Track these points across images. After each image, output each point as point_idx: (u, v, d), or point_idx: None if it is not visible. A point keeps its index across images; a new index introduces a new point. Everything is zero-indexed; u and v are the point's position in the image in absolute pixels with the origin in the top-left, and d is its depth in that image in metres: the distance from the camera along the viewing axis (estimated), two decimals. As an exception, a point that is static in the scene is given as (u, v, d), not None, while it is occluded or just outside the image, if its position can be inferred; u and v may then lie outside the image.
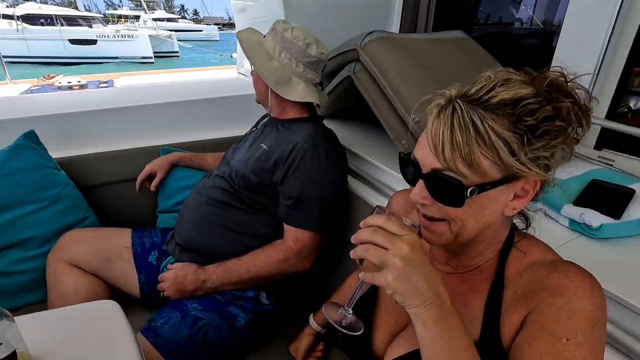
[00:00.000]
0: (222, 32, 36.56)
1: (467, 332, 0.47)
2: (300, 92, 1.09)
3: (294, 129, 1.11)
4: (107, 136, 1.46)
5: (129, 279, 1.15)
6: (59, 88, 1.87)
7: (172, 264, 1.11)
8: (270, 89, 1.09)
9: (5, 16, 15.19)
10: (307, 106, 1.16)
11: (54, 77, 2.21)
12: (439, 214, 0.52)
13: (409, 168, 0.55)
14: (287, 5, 1.50)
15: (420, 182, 0.52)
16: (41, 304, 1.17)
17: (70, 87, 1.88)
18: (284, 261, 1.02)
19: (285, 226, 1.05)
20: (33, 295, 1.17)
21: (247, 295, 1.05)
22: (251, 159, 1.10)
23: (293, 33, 1.07)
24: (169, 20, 29.89)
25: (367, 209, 1.09)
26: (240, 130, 1.62)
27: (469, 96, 0.49)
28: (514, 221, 0.60)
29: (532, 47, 1.88)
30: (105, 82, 2.00)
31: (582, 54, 1.02)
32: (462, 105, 0.47)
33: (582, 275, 0.49)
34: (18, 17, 14.47)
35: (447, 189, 0.49)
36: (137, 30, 17.08)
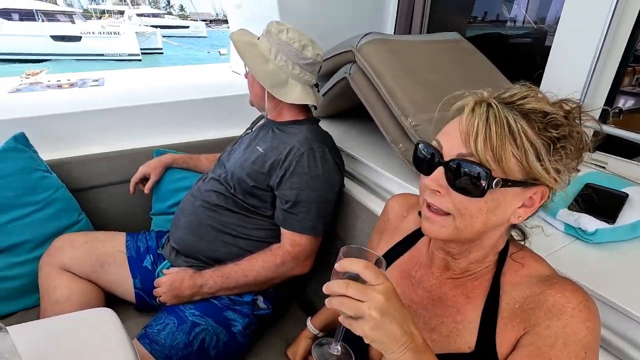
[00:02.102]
0: (210, 28, 36.09)
1: None
2: (297, 94, 1.09)
3: (290, 132, 1.11)
4: (99, 137, 1.44)
5: (124, 284, 1.13)
6: (48, 86, 1.81)
7: (167, 268, 1.09)
8: (267, 91, 1.09)
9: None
10: (303, 108, 1.16)
11: (38, 73, 2.14)
12: (447, 205, 0.52)
13: (426, 155, 0.55)
14: (281, 4, 1.49)
15: (440, 170, 0.52)
16: (34, 310, 1.15)
17: (59, 86, 1.82)
18: (282, 265, 1.02)
19: (283, 230, 1.05)
20: (25, 301, 1.15)
21: (245, 300, 1.04)
22: (247, 162, 1.10)
23: (288, 35, 1.06)
24: (154, 15, 29.35)
25: (364, 212, 1.09)
26: (235, 131, 1.61)
27: (503, 99, 0.51)
28: (511, 233, 0.61)
29: (526, 47, 1.91)
30: (96, 80, 1.94)
31: (577, 53, 1.04)
32: (497, 104, 0.49)
33: (580, 297, 0.50)
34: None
35: (471, 177, 0.49)
36: (119, 26, 16.69)
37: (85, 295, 1.07)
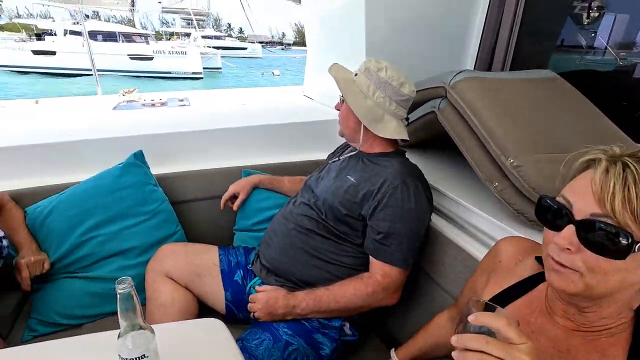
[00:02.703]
0: (265, 49, 38.15)
1: None
2: (392, 129, 1.13)
3: (381, 164, 1.15)
4: (194, 155, 1.58)
5: (216, 295, 1.21)
6: (143, 105, 2.05)
7: (259, 285, 1.16)
8: (363, 125, 1.14)
9: (72, 32, 16.74)
10: (392, 141, 1.20)
11: (132, 92, 2.46)
12: (577, 264, 0.51)
13: (552, 210, 0.55)
14: (368, 41, 1.57)
15: (570, 228, 0.52)
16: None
17: (153, 104, 2.06)
18: (372, 295, 1.04)
19: (373, 260, 1.08)
20: (129, 302, 1.26)
21: (333, 325, 1.07)
22: (339, 190, 1.15)
23: (387, 73, 1.12)
24: (216, 37, 31.67)
25: (452, 247, 1.09)
26: (314, 155, 1.70)
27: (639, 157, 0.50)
28: None
29: (614, 79, 1.79)
30: (182, 100, 2.16)
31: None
32: (635, 164, 0.48)
33: None
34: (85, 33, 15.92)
35: (610, 239, 0.48)
36: (186, 47, 18.20)
37: (185, 302, 1.17)
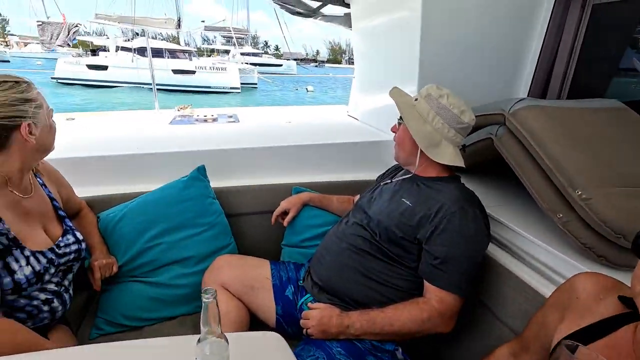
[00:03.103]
0: (299, 66, 39.30)
1: None
2: (449, 155, 1.14)
3: (437, 188, 1.15)
4: (248, 171, 1.65)
5: (268, 309, 1.24)
6: (196, 120, 2.20)
7: (311, 302, 1.18)
8: (420, 149, 1.16)
9: (123, 48, 18.03)
10: (447, 166, 1.20)
11: (186, 108, 2.67)
12: None
13: None
14: (422, 66, 1.59)
15: None
16: (190, 317, 1.31)
17: (205, 120, 2.21)
18: (427, 321, 1.03)
19: (428, 285, 1.07)
20: (186, 307, 1.32)
21: (386, 348, 1.07)
22: (394, 212, 1.16)
23: (449, 100, 1.13)
24: (254, 55, 33.01)
25: (512, 280, 1.06)
26: (362, 175, 1.72)
27: None
28: None
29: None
30: (231, 116, 2.30)
31: None
32: None
33: None
34: (134, 49, 17.11)
35: None
36: (225, 63, 19.10)
37: (238, 313, 1.21)
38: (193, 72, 17.27)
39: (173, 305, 1.30)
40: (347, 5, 2.08)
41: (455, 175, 1.23)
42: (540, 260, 1.07)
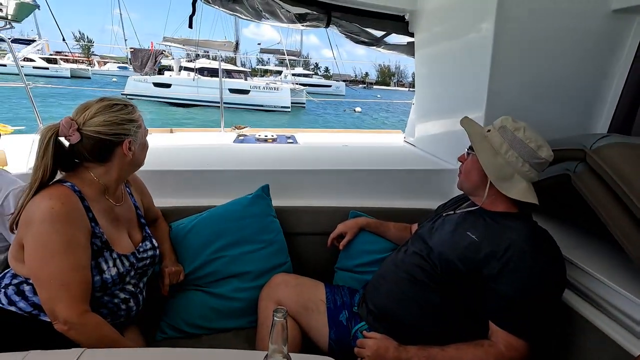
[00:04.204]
0: (348, 88, 40.06)
1: None
2: (521, 190, 1.09)
3: (506, 224, 1.10)
4: (308, 192, 1.69)
5: (321, 332, 1.24)
6: (257, 140, 2.36)
7: (367, 330, 1.16)
8: (489, 181, 1.12)
9: (186, 68, 19.59)
10: (516, 201, 1.15)
11: (243, 128, 2.84)
12: None
13: None
14: (490, 95, 1.55)
15: None
16: (244, 331, 1.35)
17: (265, 140, 2.36)
18: (493, 366, 0.97)
19: (495, 328, 1.01)
20: (241, 321, 1.36)
21: (444, 389, 1.01)
22: (458, 245, 1.12)
23: (525, 133, 1.10)
24: (304, 75, 34.30)
25: (596, 334, 0.97)
26: (420, 203, 1.69)
27: None
28: None
29: None
30: (289, 137, 2.42)
31: None
32: None
33: None
34: (196, 69, 18.54)
35: None
36: (277, 83, 20.00)
37: (292, 333, 1.21)
38: (247, 92, 18.25)
39: (229, 317, 1.34)
40: (411, 34, 2.10)
41: (527, 212, 1.17)
42: (625, 313, 0.97)
